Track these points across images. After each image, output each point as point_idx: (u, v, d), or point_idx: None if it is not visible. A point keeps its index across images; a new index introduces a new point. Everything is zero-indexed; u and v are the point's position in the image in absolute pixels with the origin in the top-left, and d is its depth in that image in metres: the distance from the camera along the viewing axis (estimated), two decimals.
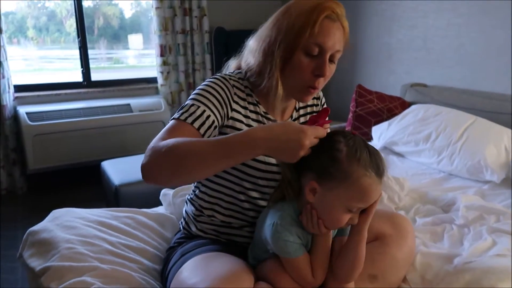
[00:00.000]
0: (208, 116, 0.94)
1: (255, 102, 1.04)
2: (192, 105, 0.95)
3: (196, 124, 0.92)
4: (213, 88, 0.99)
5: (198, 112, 0.93)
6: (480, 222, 1.37)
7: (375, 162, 0.83)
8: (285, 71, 0.96)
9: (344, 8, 0.95)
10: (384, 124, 2.36)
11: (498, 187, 1.77)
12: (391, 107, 2.55)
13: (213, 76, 1.03)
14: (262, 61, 0.97)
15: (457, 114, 2.12)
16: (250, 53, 1.02)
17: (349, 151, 0.82)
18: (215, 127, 0.96)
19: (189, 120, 0.92)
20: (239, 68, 1.08)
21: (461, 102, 2.30)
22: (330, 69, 0.96)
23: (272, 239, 0.87)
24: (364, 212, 0.88)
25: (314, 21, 0.90)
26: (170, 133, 0.90)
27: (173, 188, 1.53)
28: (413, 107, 2.37)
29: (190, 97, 0.99)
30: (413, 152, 2.13)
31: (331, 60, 0.96)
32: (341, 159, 0.82)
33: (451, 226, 1.39)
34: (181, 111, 0.94)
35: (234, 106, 1.00)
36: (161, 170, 0.83)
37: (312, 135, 0.81)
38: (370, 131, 2.47)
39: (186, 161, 0.81)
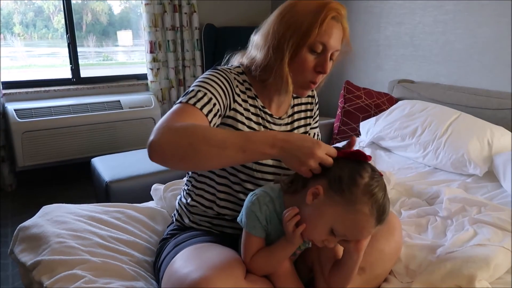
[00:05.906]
0: (215, 104, 0.96)
1: (254, 95, 1.07)
2: (199, 91, 0.95)
3: (205, 110, 0.93)
4: (217, 77, 1.01)
5: (206, 99, 0.94)
6: (463, 214, 1.41)
7: (383, 208, 0.82)
8: (291, 67, 0.99)
9: (346, 9, 0.99)
10: (372, 120, 2.39)
11: (481, 180, 1.81)
12: (378, 103, 2.58)
13: (213, 69, 1.04)
14: (271, 56, 0.99)
15: (442, 110, 2.16)
16: (256, 48, 1.03)
17: (369, 183, 0.81)
18: (220, 115, 0.98)
19: (198, 105, 0.92)
20: (240, 63, 1.11)
21: (447, 98, 2.34)
22: (329, 67, 1.01)
23: (244, 206, 0.90)
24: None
25: (322, 20, 0.94)
26: (181, 116, 0.88)
27: (164, 183, 1.55)
28: (400, 103, 2.40)
29: (194, 84, 0.99)
30: (400, 146, 2.17)
31: (331, 58, 1.00)
32: (358, 184, 0.81)
33: (435, 218, 1.43)
34: (187, 96, 0.94)
35: (236, 98, 1.03)
36: (175, 149, 0.80)
37: (325, 150, 0.84)
38: (358, 126, 2.50)
39: (204, 146, 0.80)
